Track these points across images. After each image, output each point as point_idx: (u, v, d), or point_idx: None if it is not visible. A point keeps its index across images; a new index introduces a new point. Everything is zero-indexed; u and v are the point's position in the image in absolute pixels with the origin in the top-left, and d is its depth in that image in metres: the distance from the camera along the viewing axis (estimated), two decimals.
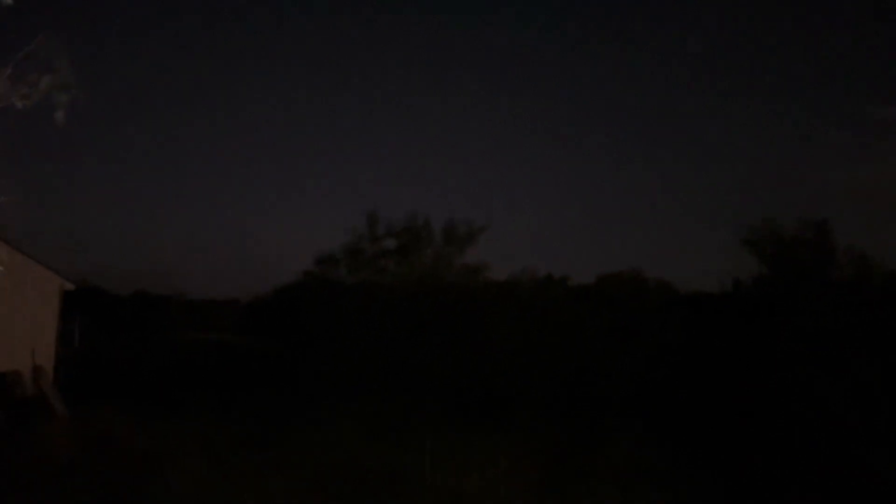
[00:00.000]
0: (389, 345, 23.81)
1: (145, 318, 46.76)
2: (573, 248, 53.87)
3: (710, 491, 11.75)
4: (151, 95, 73.73)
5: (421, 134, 69.56)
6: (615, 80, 65.01)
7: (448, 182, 64.91)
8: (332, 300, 26.70)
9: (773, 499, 11.53)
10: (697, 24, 59.48)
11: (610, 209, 59.76)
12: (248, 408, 19.14)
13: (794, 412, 16.55)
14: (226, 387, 23.83)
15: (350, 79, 71.82)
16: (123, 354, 35.05)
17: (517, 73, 69.22)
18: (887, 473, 12.14)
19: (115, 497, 9.97)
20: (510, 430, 16.10)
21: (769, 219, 23.13)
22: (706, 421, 17.63)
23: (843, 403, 16.09)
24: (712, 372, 20.68)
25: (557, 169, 66.81)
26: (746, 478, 12.64)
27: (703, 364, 21.18)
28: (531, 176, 64.15)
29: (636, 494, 11.24)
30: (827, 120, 56.32)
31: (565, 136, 67.21)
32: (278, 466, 12.17)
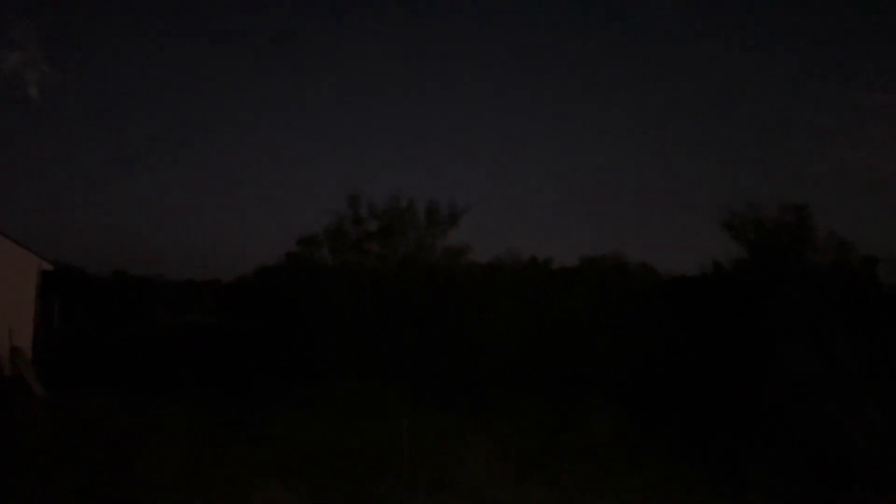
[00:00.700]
0: (372, 327, 23.79)
1: (125, 298, 46.33)
2: (557, 231, 54.15)
3: (691, 469, 11.91)
4: (130, 73, 72.54)
5: (404, 116, 69.19)
6: (600, 63, 64.95)
7: (431, 164, 64.75)
8: (315, 282, 26.60)
9: (752, 474, 11.71)
10: (684, 8, 59.43)
11: (594, 192, 60.03)
12: (231, 389, 19.07)
13: (773, 391, 16.80)
14: (207, 369, 23.71)
15: (333, 61, 71.14)
16: (103, 336, 34.73)
17: (500, 54, 68.93)
18: (862, 445, 12.40)
19: (94, 476, 9.90)
20: (492, 410, 16.20)
21: (750, 203, 23.34)
22: (686, 401, 17.85)
23: (820, 382, 16.35)
24: (693, 353, 20.92)
25: (542, 152, 66.82)
26: (726, 456, 12.82)
27: (684, 346, 21.41)
28: (515, 158, 64.14)
29: (617, 473, 11.37)
30: (810, 106, 56.74)
31: (549, 118, 67.17)
32: (260, 448, 12.15)
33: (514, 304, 24.03)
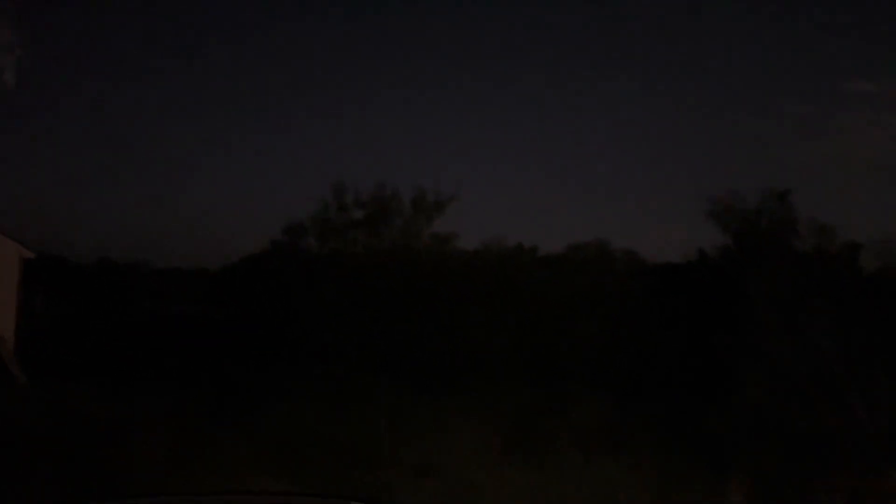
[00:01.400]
0: (358, 315, 23.81)
1: (109, 286, 45.97)
2: (544, 219, 54.10)
3: (672, 455, 12.04)
4: (109, 55, 71.48)
5: (388, 103, 68.80)
6: (583, 50, 64.83)
7: (416, 151, 64.42)
8: (301, 271, 26.57)
9: (734, 459, 11.86)
10: None
11: (579, 180, 60.02)
12: (216, 379, 19.03)
13: (756, 378, 16.99)
14: (193, 358, 23.61)
15: (316, 45, 70.52)
16: (87, 324, 34.48)
17: (483, 39, 68.65)
18: (841, 431, 12.61)
19: (75, 464, 9.87)
20: (477, 397, 16.29)
21: (732, 190, 23.53)
22: (670, 388, 18.04)
23: (800, 368, 16.56)
24: (678, 341, 21.10)
25: (528, 139, 66.75)
26: (709, 441, 12.98)
27: (668, 333, 21.59)
28: (501, 145, 64.01)
29: (599, 458, 11.48)
30: (792, 94, 57.01)
31: (532, 104, 67.03)
32: (246, 438, 12.16)
33: (500, 291, 24.12)
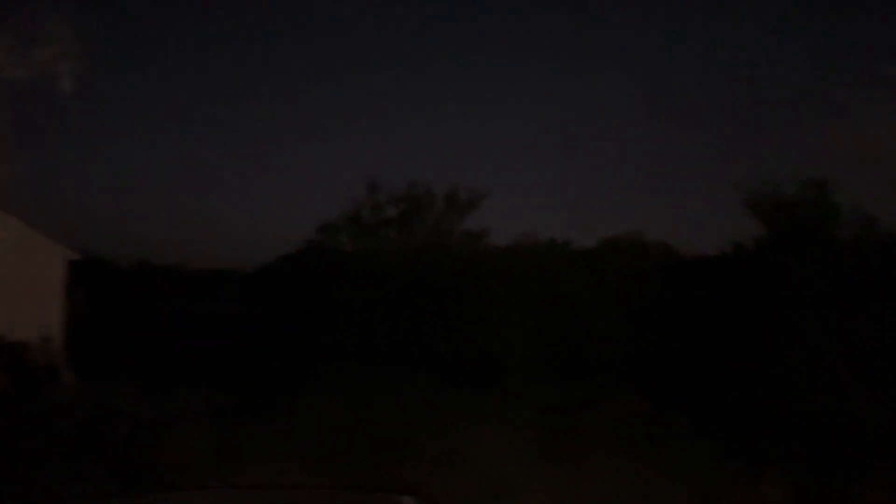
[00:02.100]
0: (390, 313, 24.02)
1: (149, 288, 47.07)
2: (577, 212, 53.67)
3: (707, 451, 11.94)
4: (152, 62, 72.97)
5: (420, 100, 68.93)
6: (615, 39, 64.03)
7: (449, 148, 64.50)
8: (334, 269, 26.88)
9: (771, 455, 11.71)
10: None
11: (612, 173, 59.38)
12: (252, 377, 19.41)
13: (793, 372, 16.72)
14: (230, 356, 24.10)
15: (348, 45, 70.98)
16: (128, 324, 35.36)
17: (514, 34, 68.29)
18: (881, 426, 12.36)
19: (121, 461, 10.21)
20: (510, 393, 16.34)
21: (770, 180, 23.05)
22: (706, 383, 17.83)
23: (840, 362, 16.25)
24: (711, 335, 20.84)
25: (560, 132, 66.30)
26: (745, 437, 12.84)
27: (703, 327, 21.33)
28: (533, 140, 63.60)
29: (633, 453, 11.45)
30: (832, 78, 55.49)
31: (565, 97, 66.54)
32: (281, 433, 12.41)
33: (533, 287, 24.09)
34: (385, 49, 69.39)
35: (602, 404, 14.98)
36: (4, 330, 18.65)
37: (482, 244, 27.85)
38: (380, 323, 23.68)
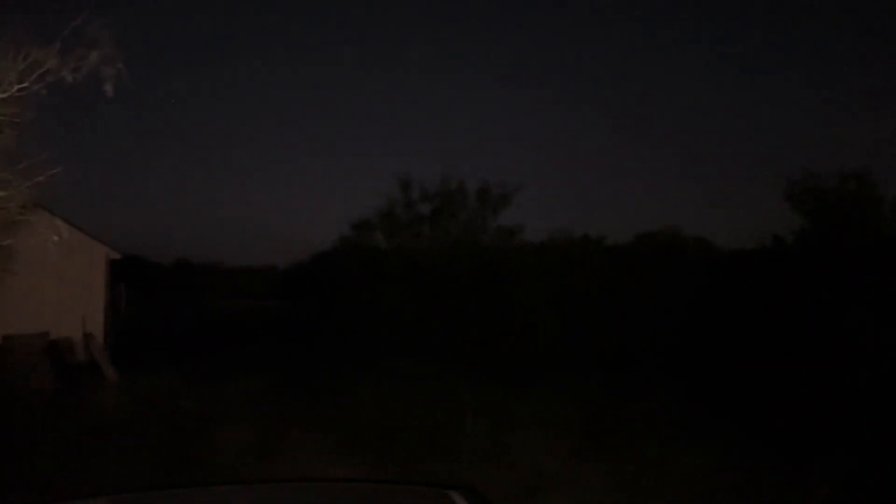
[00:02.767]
0: (426, 308, 24.06)
1: (187, 285, 47.88)
2: (611, 208, 53.28)
3: (748, 443, 11.73)
4: (190, 65, 74.20)
5: (453, 96, 68.89)
6: (650, 34, 63.28)
7: (481, 143, 64.41)
8: (369, 265, 27.03)
9: (809, 451, 11.44)
10: None
11: (648, 167, 58.80)
12: (291, 372, 19.63)
13: (837, 366, 16.34)
14: (268, 352, 24.42)
15: (382, 44, 71.25)
16: (167, 321, 36.06)
17: (546, 29, 67.83)
18: None
19: (163, 456, 10.38)
20: (547, 389, 16.25)
21: (809, 172, 22.60)
22: (744, 377, 17.52)
23: (887, 357, 15.83)
24: (751, 329, 20.47)
25: (593, 127, 65.72)
26: (789, 434, 12.56)
27: (742, 321, 20.96)
28: (566, 134, 63.26)
29: (673, 446, 11.30)
30: (871, 69, 54.09)
31: (599, 93, 65.95)
32: (323, 427, 12.50)
33: (567, 283, 23.92)
34: (419, 48, 69.49)
35: (641, 399, 14.81)
36: (50, 327, 19.14)
37: (516, 240, 27.75)
38: (415, 318, 23.74)
